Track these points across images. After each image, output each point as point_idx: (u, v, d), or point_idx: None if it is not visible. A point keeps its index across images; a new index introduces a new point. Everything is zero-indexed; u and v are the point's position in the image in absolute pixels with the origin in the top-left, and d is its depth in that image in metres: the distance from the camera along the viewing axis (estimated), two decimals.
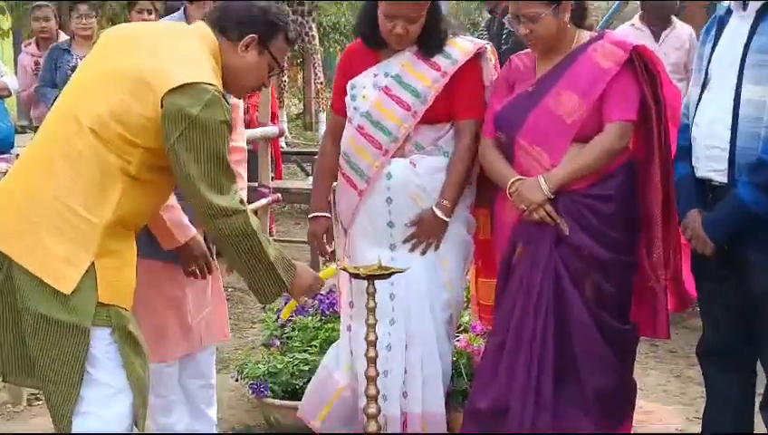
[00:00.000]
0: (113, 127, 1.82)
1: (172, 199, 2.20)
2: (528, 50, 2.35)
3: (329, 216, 2.60)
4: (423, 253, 2.41)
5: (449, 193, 2.39)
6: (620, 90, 2.19)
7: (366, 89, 2.40)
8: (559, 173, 2.21)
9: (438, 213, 2.38)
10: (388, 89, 2.36)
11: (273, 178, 5.28)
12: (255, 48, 1.94)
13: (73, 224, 1.78)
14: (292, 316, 3.16)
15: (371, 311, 2.12)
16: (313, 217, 2.56)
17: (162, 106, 1.80)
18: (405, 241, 2.42)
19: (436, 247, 2.42)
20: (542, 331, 2.24)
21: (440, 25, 2.31)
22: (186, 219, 2.27)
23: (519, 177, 2.25)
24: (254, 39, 1.93)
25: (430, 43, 2.31)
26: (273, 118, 5.94)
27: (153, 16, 3.95)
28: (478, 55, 2.37)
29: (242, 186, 2.39)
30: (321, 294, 3.13)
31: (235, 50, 1.93)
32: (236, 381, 3.02)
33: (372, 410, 2.15)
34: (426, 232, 2.41)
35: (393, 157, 2.41)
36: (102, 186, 1.81)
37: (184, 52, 1.89)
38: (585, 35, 2.28)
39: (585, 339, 2.23)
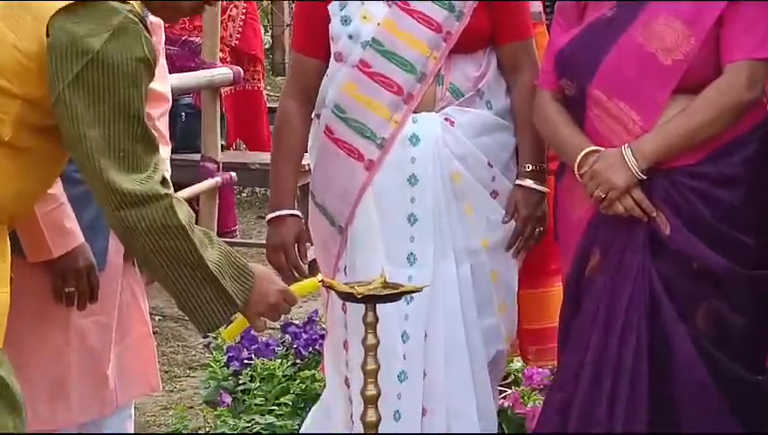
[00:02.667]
0: None
1: (57, 186, 2.25)
2: None
3: (299, 215, 2.71)
4: (517, 254, 2.59)
5: (530, 154, 2.57)
6: (749, 13, 2.26)
7: (367, 5, 2.51)
8: (655, 141, 2.28)
9: (531, 183, 2.56)
10: (406, 1, 2.49)
11: (223, 147, 5.48)
12: None
13: None
14: (249, 359, 3.30)
15: (370, 352, 2.21)
16: (275, 218, 2.65)
17: (48, 35, 1.83)
18: (507, 247, 2.55)
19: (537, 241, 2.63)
20: (629, 381, 2.32)
21: None
22: (70, 221, 2.35)
23: (594, 148, 2.33)
24: None
25: None
26: (256, 61, 6.33)
27: None
28: None
29: (164, 155, 2.44)
30: (298, 326, 3.29)
31: None
32: None
33: None
34: (530, 219, 2.57)
35: (418, 111, 2.52)
36: None
37: None
38: None
39: (693, 394, 2.30)
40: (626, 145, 2.29)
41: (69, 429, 2.46)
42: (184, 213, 1.99)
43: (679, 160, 2.31)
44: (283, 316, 2.48)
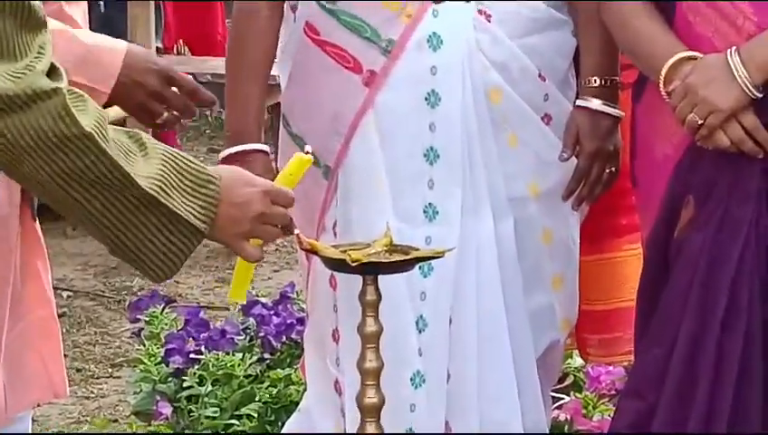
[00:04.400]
0: None
1: None
2: None
3: (266, 150, 2.83)
4: (579, 204, 2.70)
5: (597, 62, 2.67)
6: None
7: None
8: None
9: (598, 104, 2.64)
10: None
11: (159, 50, 5.72)
12: None
13: None
14: (197, 352, 3.31)
15: (370, 344, 2.23)
16: (235, 154, 2.75)
17: None
18: (566, 194, 2.65)
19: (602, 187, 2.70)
20: (734, 382, 2.39)
21: None
22: None
23: (689, 53, 2.39)
24: None
25: None
26: None
27: None
28: None
29: (60, 45, 2.39)
30: (266, 306, 3.37)
31: None
32: None
33: None
34: (597, 154, 2.65)
35: None
36: None
37: None
38: None
39: None
40: (732, 49, 2.32)
41: None
42: (90, 113, 1.92)
43: None
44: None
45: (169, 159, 1.93)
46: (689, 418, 2.41)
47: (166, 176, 1.91)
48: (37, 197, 2.11)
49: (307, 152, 2.33)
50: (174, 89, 2.52)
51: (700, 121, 2.33)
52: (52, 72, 1.84)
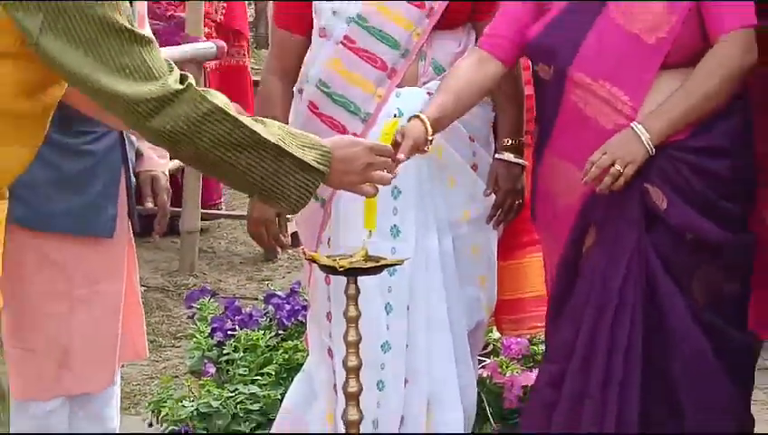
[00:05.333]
0: None
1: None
2: None
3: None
4: (497, 226, 2.66)
5: (509, 128, 2.61)
6: None
7: None
8: (664, 117, 2.32)
9: (510, 156, 2.61)
10: None
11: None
12: None
13: None
14: (233, 329, 3.33)
15: (351, 323, 2.24)
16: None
17: None
18: (487, 219, 2.63)
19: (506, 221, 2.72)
20: (624, 352, 2.40)
21: None
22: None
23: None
24: None
25: None
26: (241, 37, 6.42)
27: None
28: None
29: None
30: (280, 298, 3.36)
31: None
32: (150, 425, 3.23)
33: None
34: (509, 192, 2.61)
35: (401, 86, 2.57)
36: None
37: None
38: None
39: (692, 364, 2.40)
40: (635, 123, 2.33)
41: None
42: (218, 98, 1.95)
43: (679, 138, 2.38)
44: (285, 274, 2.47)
45: (283, 128, 1.95)
46: (589, 382, 2.42)
47: (285, 136, 1.91)
48: (201, 170, 2.18)
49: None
50: None
51: (621, 169, 2.31)
52: (182, 78, 1.85)
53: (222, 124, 1.86)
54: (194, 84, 1.88)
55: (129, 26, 1.84)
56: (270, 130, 1.94)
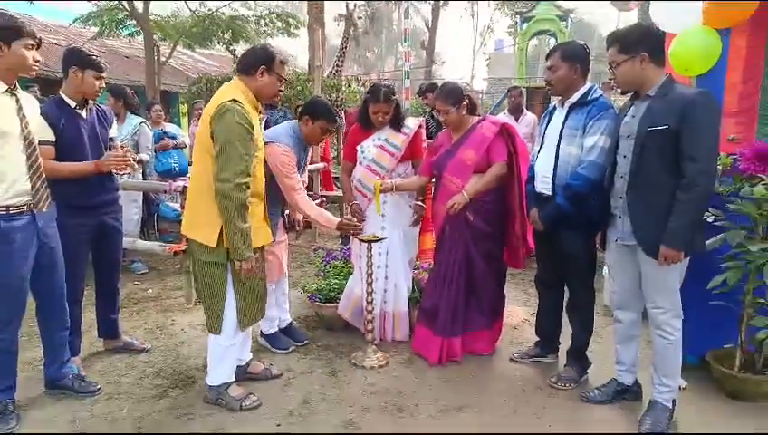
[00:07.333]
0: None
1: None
2: (446, 128, 3.52)
3: (358, 202, 3.57)
4: (416, 224, 3.73)
5: (419, 192, 3.66)
6: (497, 146, 3.30)
7: (369, 147, 3.60)
8: (474, 187, 3.23)
9: (420, 203, 3.69)
10: (383, 146, 3.51)
11: (320, 189, 6.43)
12: (265, 73, 2.54)
13: (211, 207, 2.45)
14: (327, 260, 4.22)
15: (370, 259, 3.45)
16: (352, 203, 3.65)
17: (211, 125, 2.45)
18: (413, 223, 3.77)
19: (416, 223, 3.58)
20: (458, 268, 3.40)
21: (401, 113, 3.61)
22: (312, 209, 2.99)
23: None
24: (264, 68, 2.58)
25: (398, 122, 3.63)
26: (328, 161, 8.04)
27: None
28: (420, 126, 3.69)
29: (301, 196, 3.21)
30: (345, 248, 4.28)
31: (255, 78, 2.54)
32: (301, 293, 4.28)
33: (369, 315, 3.51)
34: (420, 209, 3.75)
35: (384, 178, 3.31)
36: None
37: (222, 93, 2.47)
38: (476, 118, 3.38)
39: (481, 273, 3.43)
40: (463, 190, 3.28)
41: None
42: (241, 196, 2.38)
43: (477, 196, 3.33)
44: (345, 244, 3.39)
45: (247, 229, 2.28)
46: (443, 286, 3.61)
47: (248, 228, 2.30)
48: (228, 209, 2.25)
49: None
50: None
51: (459, 205, 3.37)
52: (244, 184, 2.43)
53: (228, 203, 2.35)
54: (242, 184, 2.33)
55: (241, 153, 2.32)
56: (248, 222, 2.08)
